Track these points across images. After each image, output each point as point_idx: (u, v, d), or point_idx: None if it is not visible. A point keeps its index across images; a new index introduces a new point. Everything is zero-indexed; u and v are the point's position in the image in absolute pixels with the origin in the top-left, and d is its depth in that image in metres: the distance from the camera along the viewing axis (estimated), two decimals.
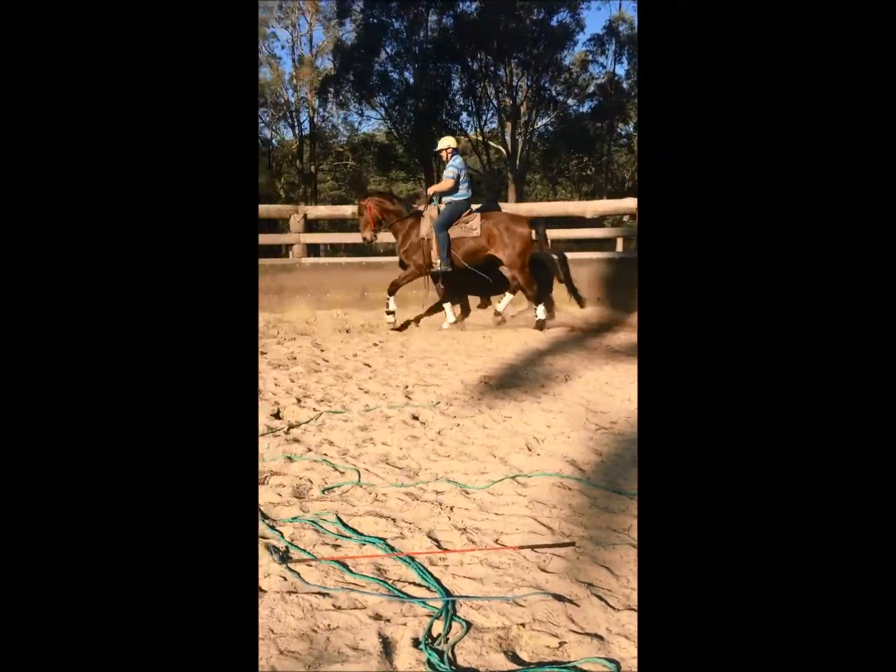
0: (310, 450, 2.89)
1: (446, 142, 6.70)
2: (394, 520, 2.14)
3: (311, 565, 1.84)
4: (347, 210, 7.72)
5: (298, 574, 1.78)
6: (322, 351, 5.35)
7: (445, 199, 6.54)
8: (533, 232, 6.41)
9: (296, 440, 3.03)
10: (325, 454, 2.83)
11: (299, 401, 3.73)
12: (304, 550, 1.93)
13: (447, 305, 6.71)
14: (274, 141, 24.96)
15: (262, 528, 2.09)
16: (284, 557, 1.87)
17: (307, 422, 3.33)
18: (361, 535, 2.04)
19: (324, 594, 1.69)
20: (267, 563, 1.84)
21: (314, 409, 3.54)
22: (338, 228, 7.68)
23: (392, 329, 6.46)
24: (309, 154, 24.72)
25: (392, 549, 1.94)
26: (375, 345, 5.63)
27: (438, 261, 6.41)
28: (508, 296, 6.61)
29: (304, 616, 1.59)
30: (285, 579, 1.76)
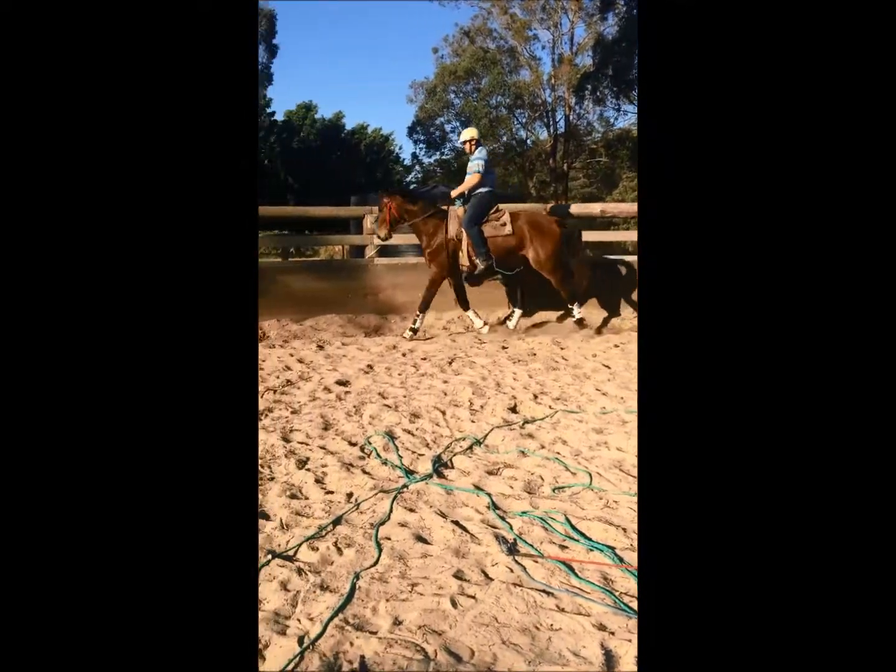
0: (543, 447, 2.91)
1: (469, 133, 6.22)
2: (624, 529, 2.07)
3: (537, 562, 1.85)
4: (596, 208, 7.62)
5: (525, 568, 1.81)
6: (562, 349, 5.36)
7: (476, 189, 6.06)
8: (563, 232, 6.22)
9: (530, 436, 3.07)
10: (558, 453, 2.83)
11: (536, 397, 3.77)
12: (532, 546, 1.95)
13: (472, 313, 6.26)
14: (529, 141, 25.52)
15: (493, 517, 2.16)
16: (512, 549, 1.91)
17: (542, 419, 3.36)
18: (590, 540, 2.00)
19: (548, 593, 1.69)
20: (495, 553, 1.90)
21: (550, 407, 3.56)
22: (586, 226, 7.51)
23: (410, 338, 5.91)
24: (562, 152, 24.86)
25: (621, 559, 1.87)
26: (616, 346, 5.49)
27: (476, 259, 5.94)
28: (576, 305, 6.26)
29: (527, 611, 1.61)
30: (511, 571, 1.80)
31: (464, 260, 6.01)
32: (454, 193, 6.22)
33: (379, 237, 6.17)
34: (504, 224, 6.02)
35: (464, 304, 6.30)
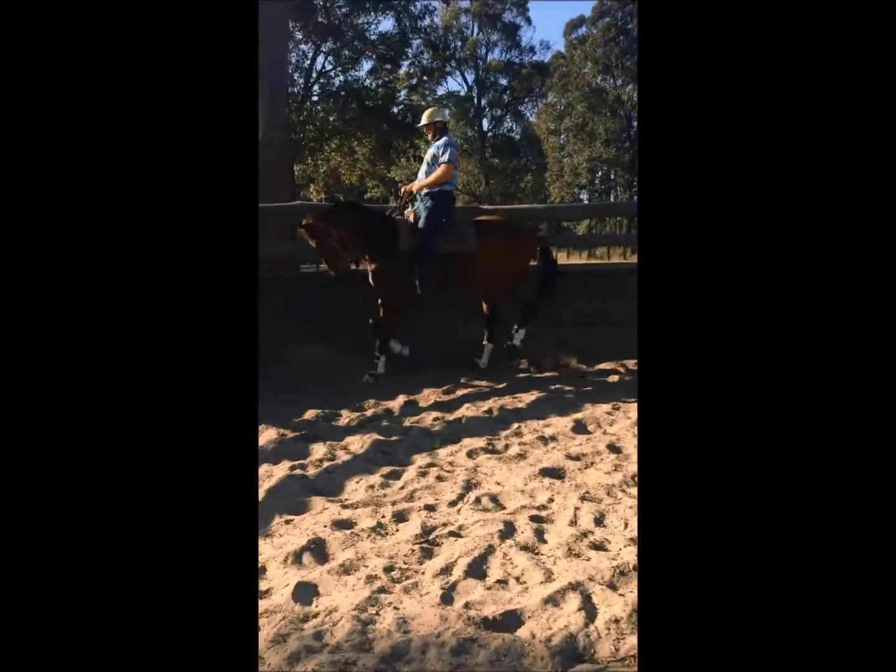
0: None
1: (437, 114, 4.82)
2: None
3: None
4: None
5: None
6: None
7: (427, 190, 4.61)
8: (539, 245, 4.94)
9: None
10: None
11: None
12: None
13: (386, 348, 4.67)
14: None
15: None
16: None
17: None
18: None
19: None
20: None
21: None
22: None
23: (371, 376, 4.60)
24: None
25: None
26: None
27: (418, 279, 4.48)
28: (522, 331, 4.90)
29: None
30: None
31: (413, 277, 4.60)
32: (415, 188, 4.76)
33: (331, 273, 4.74)
34: (468, 241, 4.65)
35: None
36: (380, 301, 4.62)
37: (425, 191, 4.65)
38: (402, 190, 4.98)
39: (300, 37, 16.81)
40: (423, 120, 4.88)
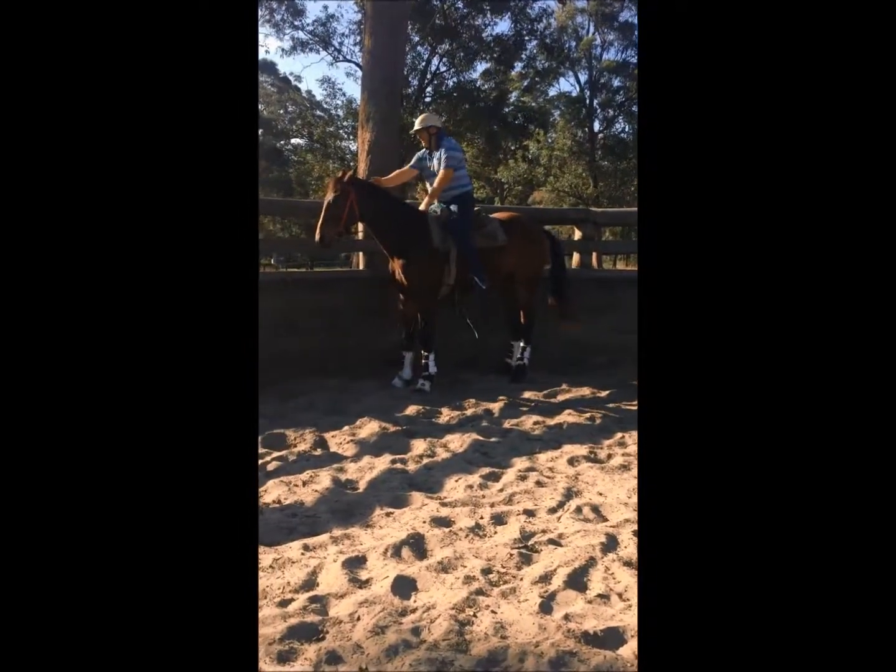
0: None
1: (429, 120, 4.62)
2: None
3: None
4: None
5: None
6: None
7: (451, 192, 4.48)
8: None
9: None
10: None
11: None
12: None
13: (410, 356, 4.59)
14: None
15: None
16: None
17: None
18: None
19: None
20: None
21: None
22: None
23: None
24: None
25: None
26: None
27: (476, 279, 4.39)
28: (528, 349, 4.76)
29: None
30: None
31: (449, 279, 4.46)
32: (426, 203, 4.62)
33: (322, 241, 4.20)
34: (497, 237, 4.56)
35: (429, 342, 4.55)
36: (419, 309, 4.47)
37: (450, 192, 4.49)
38: (424, 202, 4.72)
39: (416, 39, 17.18)
40: (416, 125, 4.64)
